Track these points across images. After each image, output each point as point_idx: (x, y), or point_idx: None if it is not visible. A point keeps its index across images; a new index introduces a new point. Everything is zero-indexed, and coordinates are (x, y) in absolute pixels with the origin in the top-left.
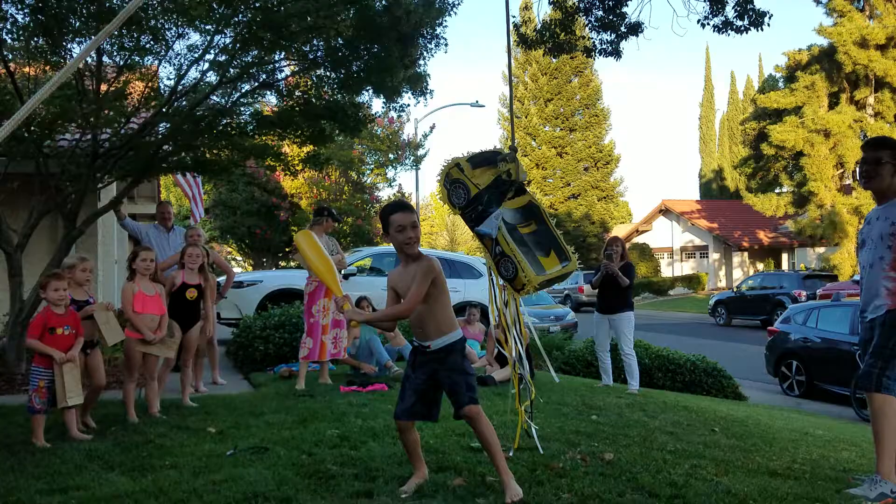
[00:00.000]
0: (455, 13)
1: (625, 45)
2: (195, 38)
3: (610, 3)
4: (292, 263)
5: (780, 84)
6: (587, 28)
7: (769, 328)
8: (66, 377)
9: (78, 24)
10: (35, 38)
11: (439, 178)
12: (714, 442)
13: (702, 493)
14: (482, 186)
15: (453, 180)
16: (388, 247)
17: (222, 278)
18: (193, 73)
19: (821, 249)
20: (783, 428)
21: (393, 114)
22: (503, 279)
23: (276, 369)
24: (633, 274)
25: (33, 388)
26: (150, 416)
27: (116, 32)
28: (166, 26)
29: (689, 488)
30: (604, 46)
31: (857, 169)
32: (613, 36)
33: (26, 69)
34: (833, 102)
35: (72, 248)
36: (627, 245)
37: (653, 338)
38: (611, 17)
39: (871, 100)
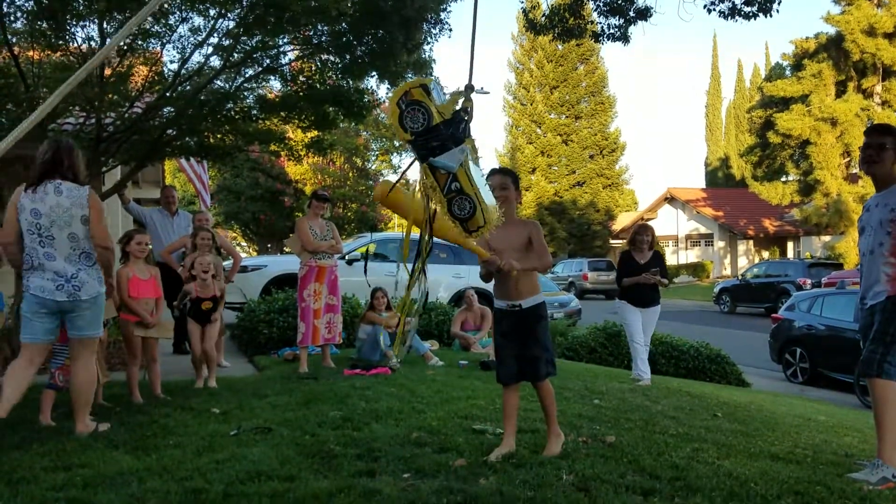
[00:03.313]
0: None
1: (632, 31)
2: (198, 21)
3: None
4: (286, 250)
5: (787, 72)
6: (595, 13)
7: (773, 315)
8: (98, 355)
9: (82, 7)
10: (39, 22)
11: (392, 95)
12: (716, 426)
13: (703, 476)
14: (446, 117)
15: (412, 101)
16: (392, 233)
17: (228, 262)
18: (197, 58)
19: (826, 238)
20: (786, 413)
21: None
22: (454, 218)
23: (280, 352)
24: (664, 264)
25: (58, 366)
26: (154, 397)
27: (120, 16)
28: (170, 10)
29: (691, 471)
30: (612, 31)
31: (860, 153)
32: (622, 21)
33: (30, 53)
34: (840, 91)
35: None
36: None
37: (657, 325)
38: (620, 2)
39: (878, 88)
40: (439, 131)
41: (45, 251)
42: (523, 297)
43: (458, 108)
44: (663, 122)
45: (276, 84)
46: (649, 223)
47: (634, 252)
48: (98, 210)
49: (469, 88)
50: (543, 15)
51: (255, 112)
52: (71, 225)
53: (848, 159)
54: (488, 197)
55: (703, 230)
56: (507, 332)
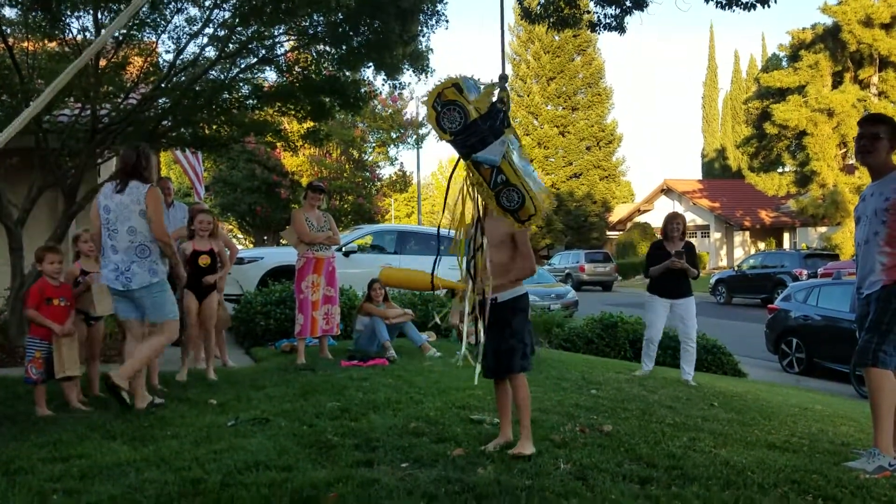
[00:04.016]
0: None
1: (628, 20)
2: (194, 11)
3: None
4: (283, 241)
5: (784, 63)
6: (591, 2)
7: (769, 306)
8: (63, 349)
9: None
10: (33, 12)
11: (427, 98)
12: (713, 416)
13: (700, 465)
14: (482, 111)
15: (447, 101)
16: (389, 224)
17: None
18: (192, 48)
19: (822, 229)
20: (782, 403)
21: (396, 92)
22: (505, 210)
23: (278, 344)
24: (695, 255)
25: (30, 359)
26: (151, 388)
27: (115, 6)
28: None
29: (688, 459)
30: (608, 21)
31: (855, 144)
32: (618, 10)
33: (24, 44)
34: (837, 82)
35: (72, 223)
36: (628, 225)
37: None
38: None
39: (875, 79)
40: (477, 127)
41: (111, 244)
42: (499, 291)
43: (493, 99)
44: (660, 113)
45: (272, 75)
46: (650, 214)
47: (666, 242)
48: (155, 206)
49: (503, 78)
50: (539, 4)
51: (250, 102)
52: (130, 219)
53: (844, 150)
54: (536, 184)
55: (699, 221)
56: (489, 324)
